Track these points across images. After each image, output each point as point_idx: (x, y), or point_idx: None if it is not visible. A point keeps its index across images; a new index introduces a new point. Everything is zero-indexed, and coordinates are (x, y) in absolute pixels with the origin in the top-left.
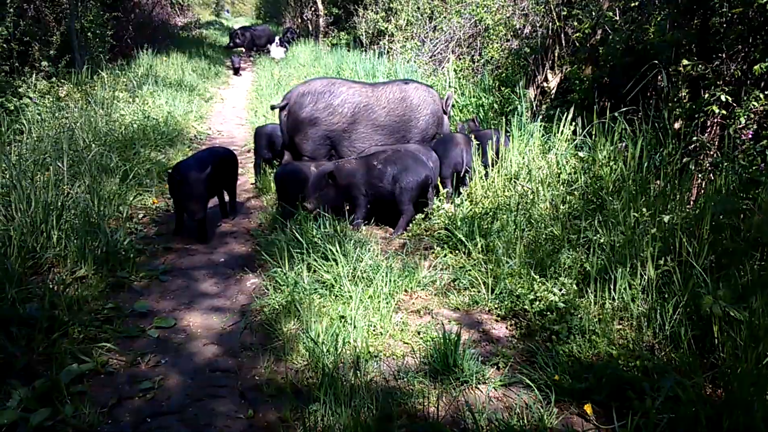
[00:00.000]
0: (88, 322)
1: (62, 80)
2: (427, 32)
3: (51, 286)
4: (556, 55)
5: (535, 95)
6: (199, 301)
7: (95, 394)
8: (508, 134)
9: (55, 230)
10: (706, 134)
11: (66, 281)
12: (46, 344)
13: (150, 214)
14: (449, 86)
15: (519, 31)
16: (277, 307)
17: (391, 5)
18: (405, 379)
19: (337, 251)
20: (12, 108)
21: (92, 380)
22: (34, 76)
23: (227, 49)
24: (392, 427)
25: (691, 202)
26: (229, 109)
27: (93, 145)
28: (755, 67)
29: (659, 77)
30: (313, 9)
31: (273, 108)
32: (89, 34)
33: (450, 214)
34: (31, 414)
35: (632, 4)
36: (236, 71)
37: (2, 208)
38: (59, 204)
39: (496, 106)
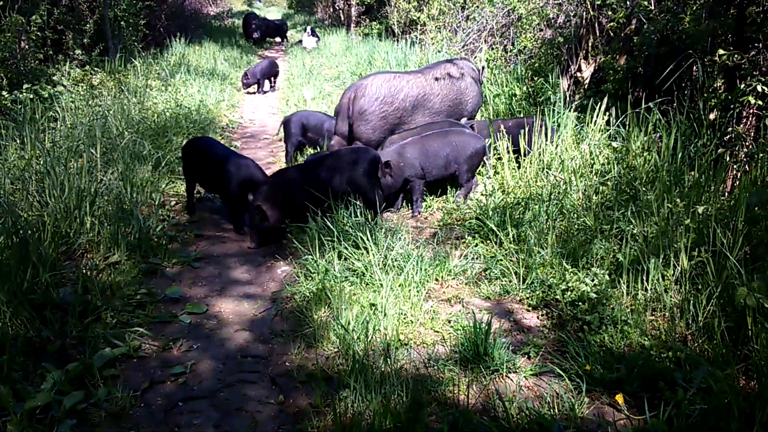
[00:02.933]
0: (121, 307)
1: (95, 68)
2: (459, 22)
3: (84, 271)
4: (590, 44)
5: (569, 85)
6: (231, 287)
7: (128, 378)
8: (543, 122)
9: (89, 216)
10: (742, 125)
11: (99, 267)
12: (79, 328)
13: (182, 201)
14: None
15: (552, 21)
16: (307, 294)
17: None
18: (435, 367)
19: (368, 239)
20: (46, 95)
21: (125, 364)
22: (67, 64)
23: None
24: (422, 414)
25: (726, 193)
26: (261, 98)
27: (126, 133)
28: None
29: (694, 67)
30: None
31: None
32: (122, 22)
33: (481, 203)
34: (64, 396)
35: None
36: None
37: (36, 194)
38: (92, 190)
39: (529, 96)
